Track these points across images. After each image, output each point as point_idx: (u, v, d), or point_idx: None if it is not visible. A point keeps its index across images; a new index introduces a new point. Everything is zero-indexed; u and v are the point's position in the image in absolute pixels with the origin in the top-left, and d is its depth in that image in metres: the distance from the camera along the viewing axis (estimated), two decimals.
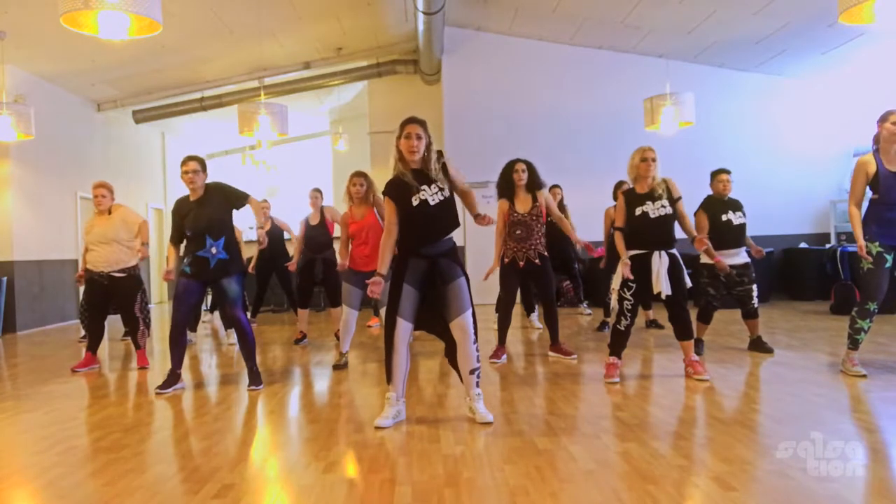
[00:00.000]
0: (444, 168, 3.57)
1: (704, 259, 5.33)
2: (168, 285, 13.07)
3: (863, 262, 4.32)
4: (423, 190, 3.49)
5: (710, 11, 8.36)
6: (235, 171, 14.22)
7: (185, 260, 4.63)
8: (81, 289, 6.16)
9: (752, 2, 7.88)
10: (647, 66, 10.01)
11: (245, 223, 9.80)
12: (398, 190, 3.53)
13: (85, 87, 9.99)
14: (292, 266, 6.87)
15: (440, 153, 3.59)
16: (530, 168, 5.35)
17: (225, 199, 4.65)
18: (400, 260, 3.58)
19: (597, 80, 10.36)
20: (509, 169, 5.36)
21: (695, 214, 5.44)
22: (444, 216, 3.54)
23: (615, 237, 4.60)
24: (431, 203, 3.49)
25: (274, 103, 8.00)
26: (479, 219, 3.67)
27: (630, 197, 4.54)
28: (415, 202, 3.48)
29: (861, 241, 4.25)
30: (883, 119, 4.27)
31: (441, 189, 3.52)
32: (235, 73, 10.33)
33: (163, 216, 13.29)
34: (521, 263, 5.31)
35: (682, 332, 4.50)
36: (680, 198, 4.51)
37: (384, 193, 3.61)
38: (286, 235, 8.28)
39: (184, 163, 4.60)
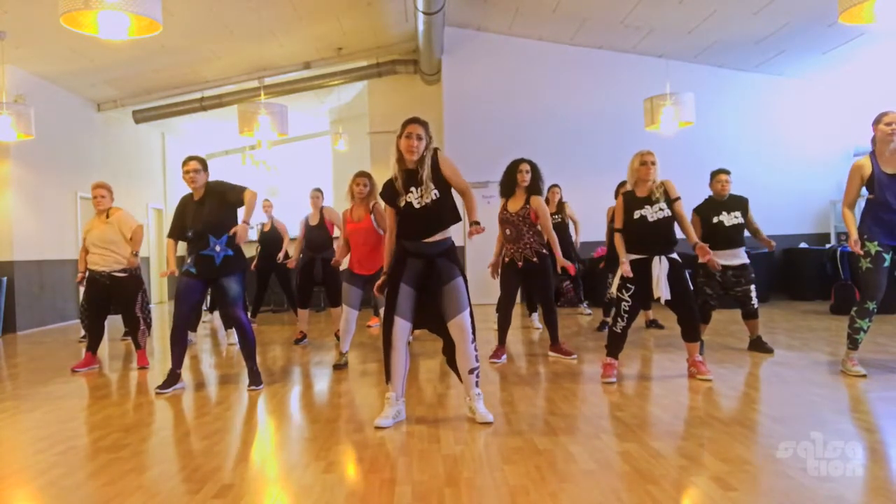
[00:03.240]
0: (434, 169, 3.51)
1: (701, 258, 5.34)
2: (169, 285, 13.11)
3: (861, 262, 4.33)
4: (410, 193, 3.51)
5: (710, 11, 8.36)
6: (235, 171, 14.22)
7: (189, 260, 4.63)
8: (82, 289, 6.17)
9: (752, 2, 7.88)
10: (647, 66, 10.01)
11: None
12: (388, 193, 3.61)
13: (85, 87, 9.98)
14: (291, 263, 6.88)
15: (435, 150, 3.55)
16: (534, 169, 5.33)
17: (223, 196, 4.60)
18: (397, 260, 3.59)
19: (597, 80, 10.36)
20: (513, 168, 5.34)
21: (692, 220, 5.47)
22: (430, 218, 3.51)
23: (615, 238, 4.60)
24: (416, 206, 3.50)
25: (274, 103, 7.99)
26: (472, 227, 3.53)
27: (629, 199, 4.53)
28: (401, 204, 3.54)
29: (854, 236, 4.29)
30: (876, 121, 4.28)
31: (426, 192, 3.48)
32: (235, 73, 10.33)
33: (163, 216, 13.29)
34: (520, 264, 5.31)
35: (689, 333, 4.50)
36: (678, 198, 4.48)
37: (381, 195, 3.68)
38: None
39: (185, 163, 4.62)
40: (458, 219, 3.60)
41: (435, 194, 3.49)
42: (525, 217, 5.27)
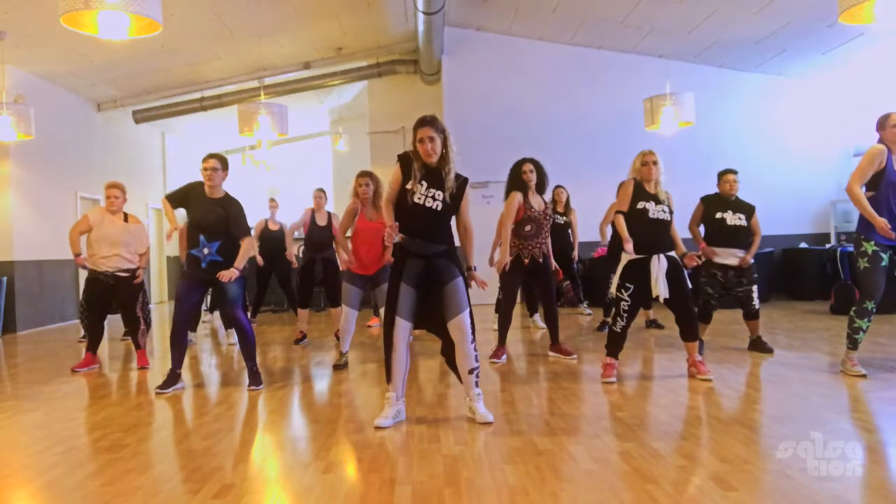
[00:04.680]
0: (459, 190, 3.54)
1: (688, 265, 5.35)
2: (169, 285, 13.11)
3: (859, 262, 4.32)
4: (420, 185, 3.49)
5: (710, 11, 8.37)
6: (236, 171, 14.19)
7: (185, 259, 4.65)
8: (82, 287, 6.16)
9: (752, 2, 7.88)
10: (647, 66, 10.02)
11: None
12: (406, 166, 3.54)
13: (85, 87, 9.98)
14: (290, 255, 6.87)
15: (465, 181, 3.56)
16: (538, 168, 5.33)
17: (231, 219, 4.58)
18: (398, 259, 3.59)
19: (597, 80, 10.36)
20: (518, 170, 5.34)
21: (696, 206, 5.49)
22: (423, 219, 3.50)
23: (616, 221, 4.50)
24: (416, 200, 3.48)
25: (274, 103, 8.00)
26: (471, 274, 3.66)
27: (638, 189, 4.50)
28: (407, 186, 3.51)
29: (881, 221, 4.05)
30: (881, 126, 4.24)
31: (434, 198, 3.49)
32: (235, 73, 10.33)
33: (162, 216, 13.28)
34: (527, 261, 5.31)
35: (688, 332, 4.50)
36: (672, 213, 4.52)
37: (399, 157, 3.59)
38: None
39: (205, 160, 4.59)
40: (450, 242, 3.60)
41: (438, 206, 3.49)
42: (549, 215, 5.34)
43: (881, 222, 4.05)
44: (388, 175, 3.66)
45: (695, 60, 10.14)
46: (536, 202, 5.32)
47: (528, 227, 5.29)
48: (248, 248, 4.65)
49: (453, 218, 3.62)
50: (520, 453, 2.99)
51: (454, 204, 3.55)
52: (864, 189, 4.29)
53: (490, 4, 9.46)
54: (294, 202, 12.99)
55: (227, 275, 4.47)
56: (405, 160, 3.55)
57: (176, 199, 4.67)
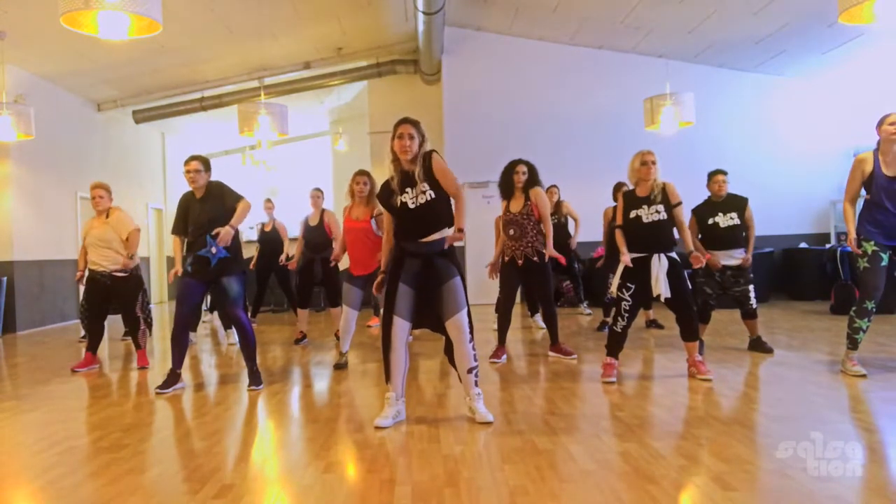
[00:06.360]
0: (427, 170, 3.50)
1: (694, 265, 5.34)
2: (169, 285, 13.10)
3: (859, 262, 4.33)
4: (406, 193, 3.51)
5: (710, 11, 8.36)
6: (235, 171, 14.21)
7: (188, 259, 4.64)
8: (82, 289, 6.16)
9: (752, 2, 7.88)
10: (647, 66, 10.01)
11: (245, 223, 9.78)
12: (384, 194, 3.62)
13: (85, 87, 9.98)
14: (292, 265, 6.87)
15: (427, 154, 3.53)
16: (531, 169, 5.35)
17: (222, 199, 4.62)
18: (396, 260, 3.60)
19: (597, 80, 10.36)
20: (510, 170, 5.37)
21: (690, 219, 5.47)
22: (425, 218, 3.51)
23: (615, 235, 4.63)
24: (411, 206, 3.51)
25: (274, 103, 8.00)
26: (454, 234, 3.54)
27: (628, 198, 4.56)
28: (397, 204, 3.54)
29: (853, 235, 4.32)
30: (880, 122, 4.28)
31: (423, 192, 3.48)
32: (235, 73, 10.33)
33: (163, 216, 13.29)
34: (520, 262, 5.32)
35: (688, 332, 4.50)
36: (679, 203, 4.48)
37: (377, 196, 3.68)
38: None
39: (186, 162, 4.62)
40: (446, 224, 3.59)
41: (431, 195, 3.49)
42: (529, 214, 5.29)
43: (850, 238, 4.35)
44: (387, 175, 3.66)
45: (695, 60, 10.14)
46: (515, 205, 5.32)
47: (511, 230, 5.32)
48: (245, 209, 4.56)
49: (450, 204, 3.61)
50: (520, 453, 3.00)
51: (435, 183, 3.49)
52: (863, 193, 4.38)
53: (490, 4, 9.46)
54: (294, 202, 12.98)
55: (225, 235, 4.42)
56: (383, 193, 3.60)
57: (180, 227, 4.72)
